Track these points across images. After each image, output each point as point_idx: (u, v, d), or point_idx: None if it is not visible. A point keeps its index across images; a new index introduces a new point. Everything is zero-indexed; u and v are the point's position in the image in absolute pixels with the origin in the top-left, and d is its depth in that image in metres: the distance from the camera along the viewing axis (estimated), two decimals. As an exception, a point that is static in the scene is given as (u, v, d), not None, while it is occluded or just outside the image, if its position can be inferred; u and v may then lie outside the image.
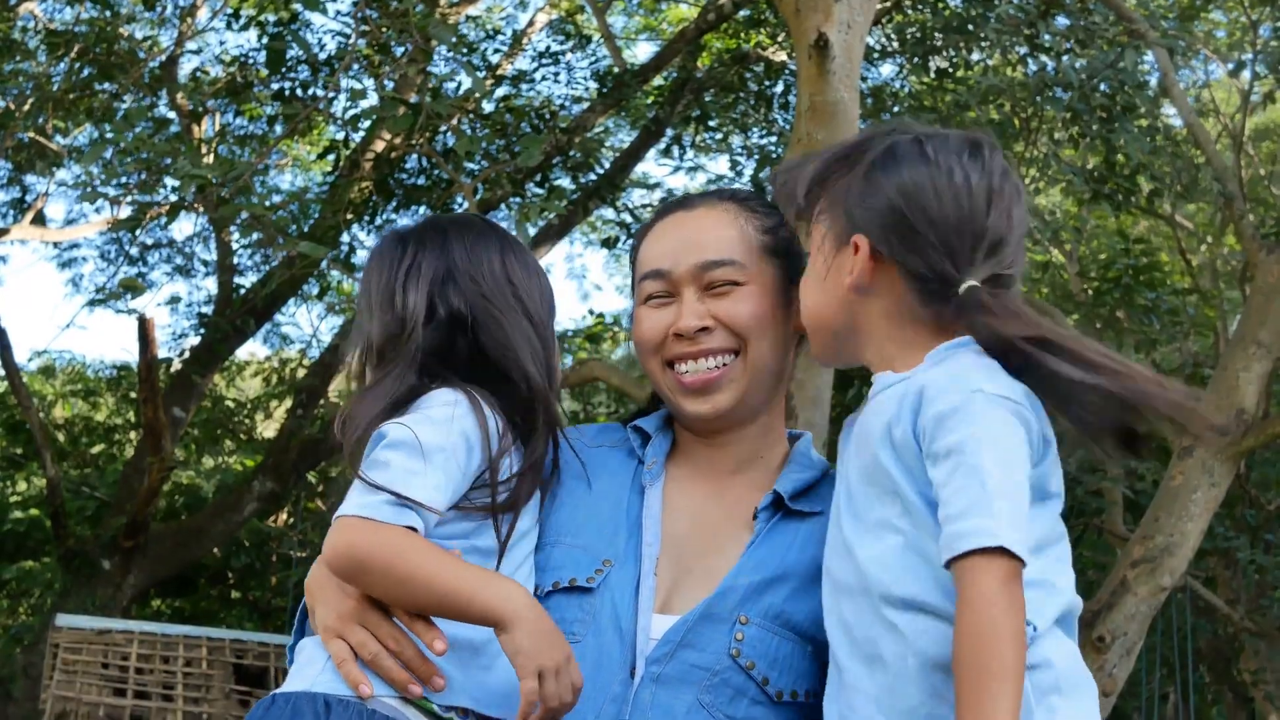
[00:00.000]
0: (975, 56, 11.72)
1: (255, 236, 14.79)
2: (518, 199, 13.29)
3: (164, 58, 15.32)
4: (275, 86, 11.32)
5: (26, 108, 13.18)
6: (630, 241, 2.86)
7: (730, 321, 2.74)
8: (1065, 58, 10.62)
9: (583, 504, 2.77)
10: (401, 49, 8.66)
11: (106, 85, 13.57)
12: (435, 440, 2.50)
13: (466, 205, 10.93)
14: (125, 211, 15.01)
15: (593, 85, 15.35)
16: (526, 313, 2.75)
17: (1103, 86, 10.53)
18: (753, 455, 2.86)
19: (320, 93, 8.24)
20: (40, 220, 20.02)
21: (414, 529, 2.40)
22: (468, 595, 2.35)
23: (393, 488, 2.41)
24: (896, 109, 12.40)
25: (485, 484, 2.58)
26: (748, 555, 2.65)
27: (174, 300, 18.67)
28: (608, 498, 2.78)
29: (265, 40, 7.70)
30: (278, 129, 12.62)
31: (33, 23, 15.59)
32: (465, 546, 2.52)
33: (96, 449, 21.64)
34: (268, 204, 14.67)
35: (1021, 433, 2.25)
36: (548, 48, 15.68)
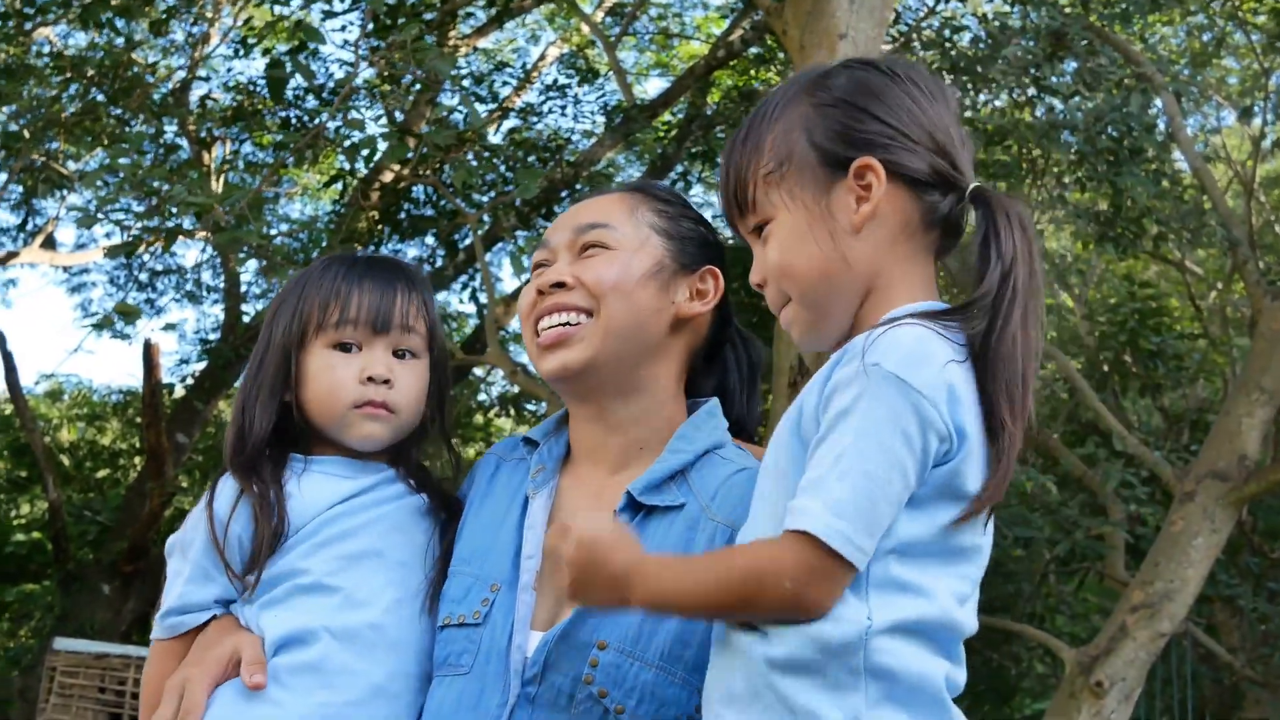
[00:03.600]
0: (983, 98, 11.71)
1: (261, 264, 14.82)
2: (524, 231, 13.29)
3: (174, 84, 15.38)
4: (283, 115, 11.35)
5: (37, 131, 13.22)
6: None
7: (588, 281, 2.64)
8: (1073, 100, 10.60)
9: (479, 527, 2.73)
10: (408, 79, 8.67)
11: (117, 110, 13.62)
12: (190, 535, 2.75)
13: (471, 237, 10.95)
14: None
15: (601, 120, 15.40)
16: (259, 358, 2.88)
17: (1110, 130, 10.51)
18: (633, 448, 2.71)
19: (327, 121, 8.25)
20: (50, 244, 20.08)
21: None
22: None
23: (163, 602, 2.70)
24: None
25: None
26: None
27: (169, 327, 18.70)
28: (500, 516, 2.72)
29: (268, 68, 7.71)
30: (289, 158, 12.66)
31: (47, 47, 15.65)
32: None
33: (101, 473, 21.65)
34: (272, 232, 14.68)
35: (910, 423, 2.02)
36: (554, 80, 15.73)
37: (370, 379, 2.75)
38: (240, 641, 2.58)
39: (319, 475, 2.74)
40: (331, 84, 11.37)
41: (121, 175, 6.92)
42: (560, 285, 2.67)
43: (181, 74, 15.78)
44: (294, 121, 11.37)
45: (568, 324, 2.65)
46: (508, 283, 16.10)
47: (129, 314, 8.29)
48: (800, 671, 2.04)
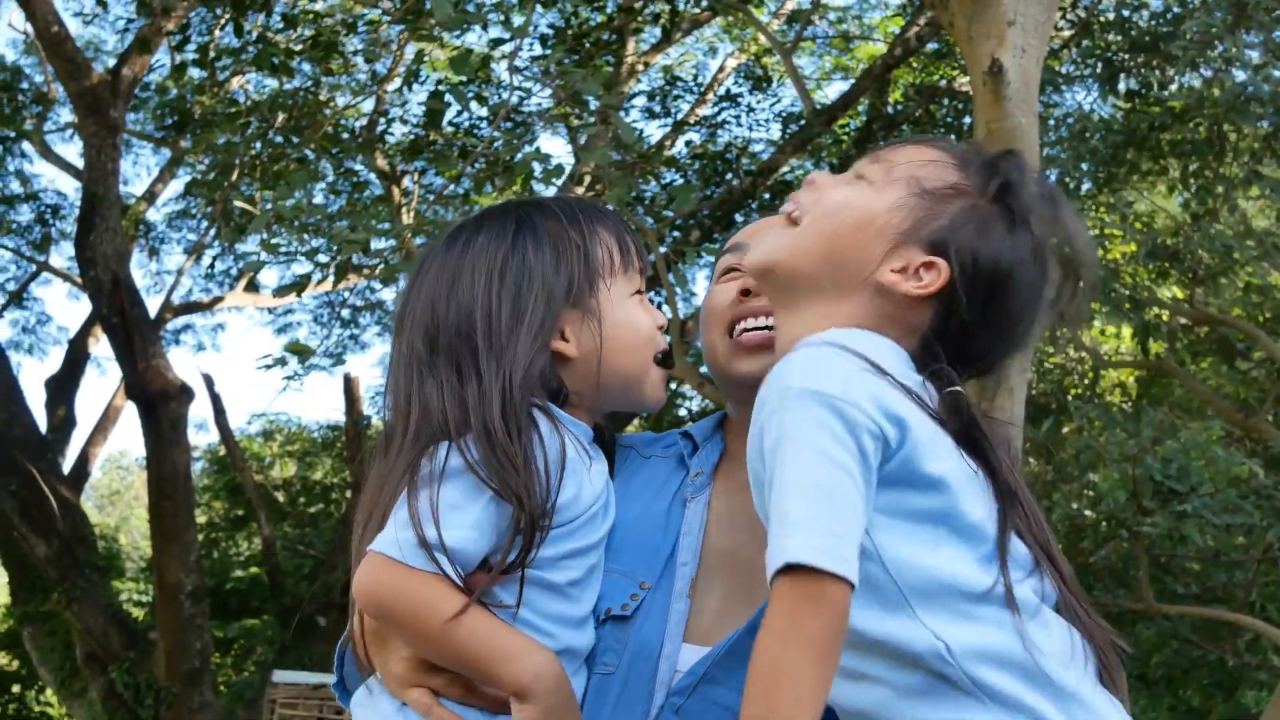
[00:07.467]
0: (1170, 73, 11.40)
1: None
2: (708, 245, 13.27)
3: (361, 121, 15.67)
4: (460, 145, 11.48)
5: (220, 177, 13.56)
6: None
7: None
8: (1261, 71, 10.26)
9: (624, 523, 2.55)
10: (566, 101, 8.71)
11: (305, 152, 13.93)
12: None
13: (653, 256, 10.97)
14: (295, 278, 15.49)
15: (778, 127, 15.32)
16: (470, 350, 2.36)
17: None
18: None
19: (494, 147, 8.29)
20: (253, 287, 20.60)
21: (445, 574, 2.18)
22: (494, 662, 2.20)
23: (424, 527, 2.18)
24: (1086, 134, 12.07)
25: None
26: None
27: (339, 361, 19.01)
28: (650, 515, 2.58)
29: (428, 99, 7.78)
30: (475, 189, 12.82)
31: (242, 96, 16.07)
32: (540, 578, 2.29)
33: (314, 508, 22.12)
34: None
35: (835, 425, 1.90)
36: (727, 90, 15.69)
37: (661, 329, 2.52)
38: None
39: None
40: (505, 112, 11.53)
41: (281, 215, 7.03)
42: None
43: (367, 109, 16.09)
44: (470, 151, 11.53)
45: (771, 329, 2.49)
46: (699, 296, 16.07)
47: (301, 353, 8.37)
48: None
